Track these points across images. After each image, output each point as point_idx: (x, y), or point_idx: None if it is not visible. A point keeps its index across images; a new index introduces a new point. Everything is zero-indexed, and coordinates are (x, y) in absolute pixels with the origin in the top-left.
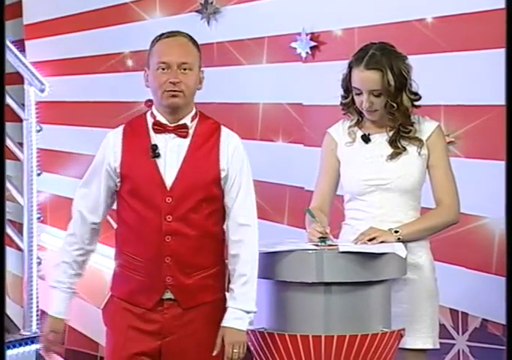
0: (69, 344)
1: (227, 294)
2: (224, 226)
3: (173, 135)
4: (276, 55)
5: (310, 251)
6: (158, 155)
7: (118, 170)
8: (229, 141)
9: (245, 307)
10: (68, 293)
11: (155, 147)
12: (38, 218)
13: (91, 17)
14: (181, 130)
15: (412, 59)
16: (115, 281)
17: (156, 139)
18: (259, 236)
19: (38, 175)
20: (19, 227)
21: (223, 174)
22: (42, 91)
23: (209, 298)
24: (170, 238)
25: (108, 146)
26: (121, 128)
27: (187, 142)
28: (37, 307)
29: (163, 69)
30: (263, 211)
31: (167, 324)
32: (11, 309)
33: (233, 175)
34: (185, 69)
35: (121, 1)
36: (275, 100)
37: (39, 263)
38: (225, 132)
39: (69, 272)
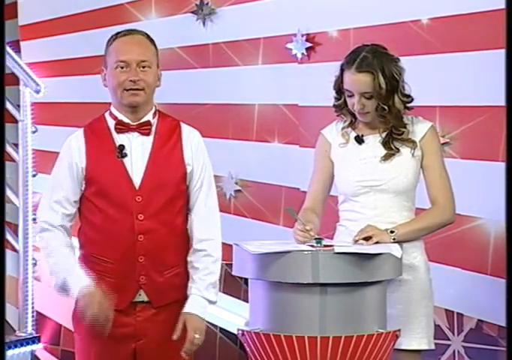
0: (65, 345)
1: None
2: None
3: (136, 134)
4: (272, 56)
5: (306, 252)
6: (125, 155)
7: (84, 172)
8: (192, 137)
9: (206, 295)
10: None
11: (122, 147)
12: (34, 219)
13: (87, 18)
14: (144, 128)
15: (407, 60)
16: None
17: (119, 139)
18: (255, 237)
19: (34, 176)
20: (14, 228)
21: (189, 169)
22: (37, 92)
23: (179, 297)
24: (142, 237)
25: (72, 150)
26: (81, 131)
27: (150, 140)
28: (33, 308)
29: (122, 67)
30: (258, 211)
31: (140, 326)
32: (6, 310)
33: (198, 170)
34: (144, 67)
35: (116, 2)
36: (270, 101)
37: (34, 264)
38: (186, 128)
39: (74, 257)
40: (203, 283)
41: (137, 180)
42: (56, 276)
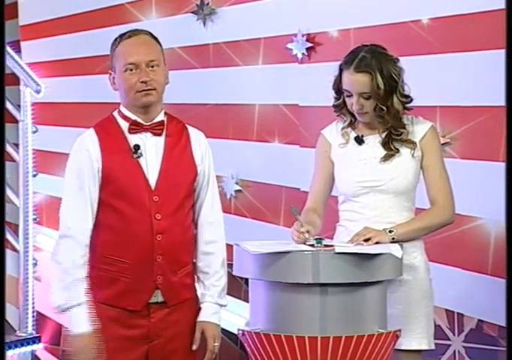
0: (65, 345)
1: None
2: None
3: (149, 134)
4: (272, 56)
5: (306, 252)
6: (140, 155)
7: (100, 173)
8: (199, 139)
9: (220, 301)
10: (86, 305)
11: (137, 147)
12: (34, 219)
13: (87, 18)
14: (157, 128)
15: (408, 60)
16: (94, 285)
17: (132, 139)
18: (255, 237)
19: (34, 176)
20: (15, 228)
21: (199, 170)
22: (38, 92)
23: (189, 295)
24: (160, 237)
25: (87, 150)
26: (92, 131)
27: (162, 140)
28: (33, 308)
29: (131, 70)
30: (259, 212)
31: (154, 328)
32: (7, 310)
33: (206, 171)
34: (152, 66)
35: (116, 2)
36: (271, 101)
37: (35, 264)
38: (193, 130)
39: (84, 286)
40: (216, 289)
41: (152, 180)
42: (63, 301)
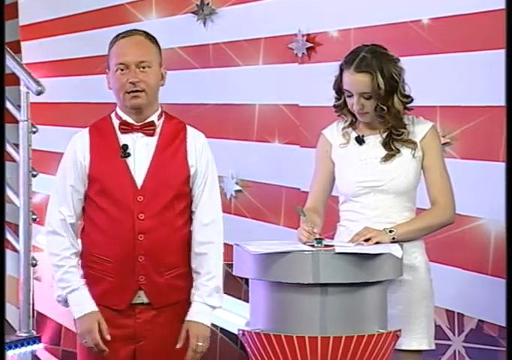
0: (65, 346)
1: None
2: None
3: (140, 134)
4: (272, 56)
5: (306, 252)
6: (128, 155)
7: (87, 171)
8: (196, 139)
9: (209, 301)
10: (86, 288)
11: (125, 147)
12: (34, 219)
13: (88, 18)
14: (148, 128)
15: (408, 60)
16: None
17: (124, 139)
18: (256, 237)
19: (34, 176)
20: (15, 228)
21: (192, 171)
22: (38, 92)
23: (180, 298)
24: (142, 237)
25: (76, 149)
26: (86, 130)
27: (154, 140)
28: (33, 308)
29: (121, 70)
30: (259, 212)
31: (140, 328)
32: (7, 310)
33: (201, 172)
34: (143, 67)
35: (117, 3)
36: (271, 101)
37: (35, 264)
38: (191, 131)
39: (79, 273)
40: (205, 289)
41: (139, 180)
42: (61, 292)
